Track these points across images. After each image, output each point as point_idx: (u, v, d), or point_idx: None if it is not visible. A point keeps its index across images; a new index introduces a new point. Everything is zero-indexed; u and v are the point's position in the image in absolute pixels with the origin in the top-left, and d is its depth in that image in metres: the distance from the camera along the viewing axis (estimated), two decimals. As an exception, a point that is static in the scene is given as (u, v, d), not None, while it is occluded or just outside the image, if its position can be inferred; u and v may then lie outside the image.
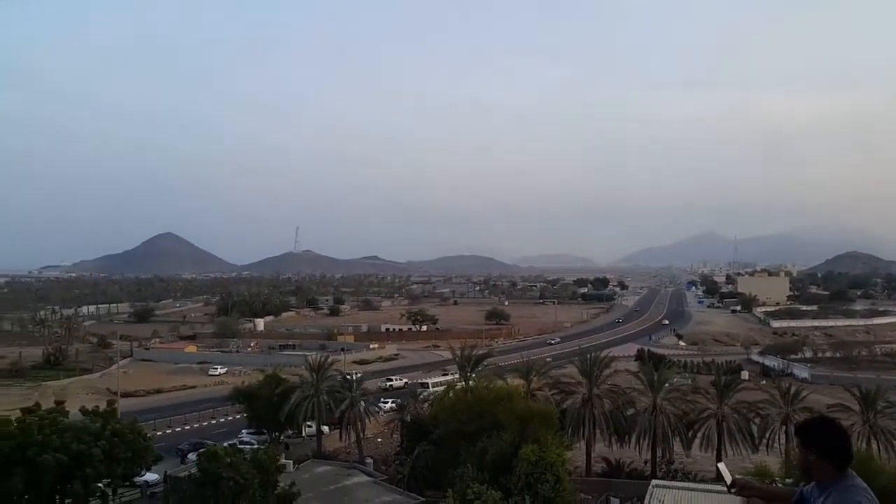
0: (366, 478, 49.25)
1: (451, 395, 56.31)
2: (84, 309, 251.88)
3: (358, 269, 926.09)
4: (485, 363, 65.55)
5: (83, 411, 47.72)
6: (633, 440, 53.59)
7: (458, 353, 65.12)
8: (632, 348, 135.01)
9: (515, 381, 58.77)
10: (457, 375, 65.70)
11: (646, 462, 55.01)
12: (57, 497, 42.52)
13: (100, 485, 43.54)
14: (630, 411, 55.46)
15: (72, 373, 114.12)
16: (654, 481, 39.99)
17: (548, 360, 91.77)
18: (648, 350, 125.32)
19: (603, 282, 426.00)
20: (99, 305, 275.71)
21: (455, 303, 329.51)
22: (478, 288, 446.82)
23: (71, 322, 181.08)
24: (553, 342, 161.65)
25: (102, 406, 48.55)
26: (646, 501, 34.20)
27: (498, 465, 39.23)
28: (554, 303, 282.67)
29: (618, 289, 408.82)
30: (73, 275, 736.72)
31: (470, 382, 59.67)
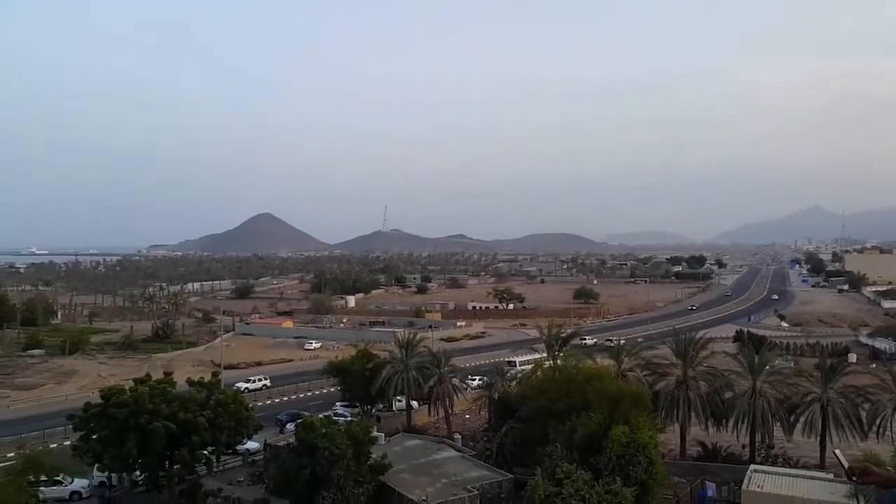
0: (454, 453, 49.91)
1: (538, 373, 56.07)
2: (189, 286, 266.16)
3: (444, 248, 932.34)
4: (573, 342, 64.84)
5: (189, 382, 50.58)
6: (731, 424, 51.67)
7: (546, 331, 64.65)
8: (730, 329, 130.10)
9: (605, 362, 57.82)
10: (544, 354, 65.33)
11: (744, 447, 53.07)
12: (166, 462, 45.43)
13: (205, 452, 46.13)
14: (728, 394, 53.46)
15: (178, 346, 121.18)
16: (752, 466, 38.56)
17: (639, 340, 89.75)
18: (748, 331, 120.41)
19: (699, 260, 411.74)
20: (203, 282, 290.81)
21: (542, 281, 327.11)
22: (565, 266, 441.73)
23: (177, 298, 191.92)
24: (648, 322, 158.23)
25: (207, 377, 51.17)
26: (744, 486, 33.09)
27: (587, 446, 38.76)
28: (645, 281, 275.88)
29: (715, 267, 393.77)
30: (179, 254, 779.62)
31: (558, 361, 59.29)
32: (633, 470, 36.18)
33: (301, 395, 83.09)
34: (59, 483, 42.40)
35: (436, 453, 49.34)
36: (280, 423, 65.40)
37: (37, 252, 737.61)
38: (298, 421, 48.96)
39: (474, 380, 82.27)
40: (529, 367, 66.00)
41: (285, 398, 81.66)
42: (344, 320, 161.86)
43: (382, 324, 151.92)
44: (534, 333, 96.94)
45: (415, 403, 67.55)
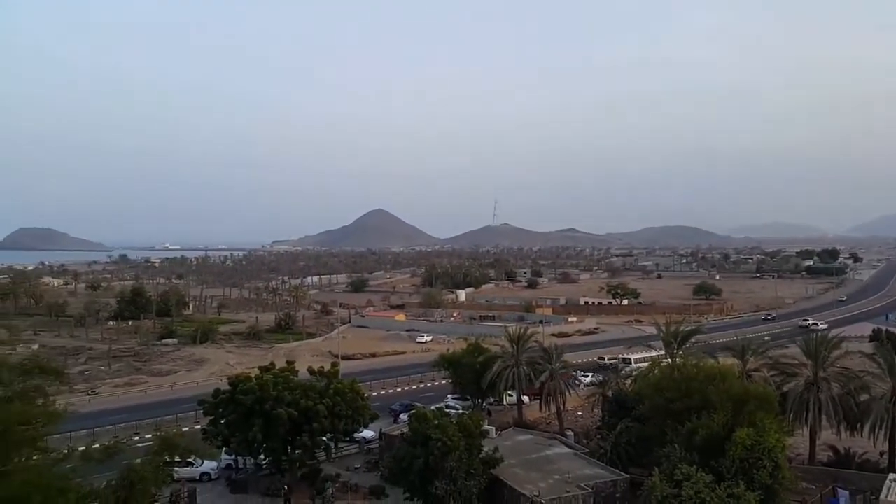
0: (567, 449, 49.11)
1: (656, 371, 54.15)
2: (308, 279, 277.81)
3: (555, 242, 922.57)
4: (693, 340, 62.09)
5: (310, 371, 52.62)
6: (867, 429, 47.72)
7: (664, 328, 62.31)
8: (865, 328, 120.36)
9: (728, 361, 54.95)
10: (662, 352, 63.00)
11: (882, 454, 48.87)
12: (288, 447, 47.49)
13: (324, 438, 47.87)
14: (864, 397, 49.39)
15: (299, 336, 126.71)
16: (891, 475, 35.56)
17: (765, 338, 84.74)
18: (886, 330, 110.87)
19: (832, 253, 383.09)
20: (321, 276, 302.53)
21: (659, 276, 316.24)
22: (685, 261, 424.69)
23: (298, 291, 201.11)
24: (768, 318, 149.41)
25: (326, 367, 53.06)
26: (882, 496, 30.53)
27: (708, 448, 36.99)
28: (773, 277, 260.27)
29: (850, 261, 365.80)
30: (299, 248, 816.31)
31: (676, 360, 57.02)
32: (757, 474, 34.21)
33: (413, 387, 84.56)
34: (190, 464, 45.20)
35: (547, 449, 48.78)
36: (394, 414, 66.86)
37: (170, 248, 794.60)
38: (411, 412, 49.73)
39: (587, 376, 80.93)
40: (646, 364, 63.87)
41: (398, 389, 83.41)
42: (454, 314, 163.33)
43: (492, 318, 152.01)
44: (650, 330, 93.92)
45: (525, 398, 67.06)
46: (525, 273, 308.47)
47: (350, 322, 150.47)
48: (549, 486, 40.40)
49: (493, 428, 52.52)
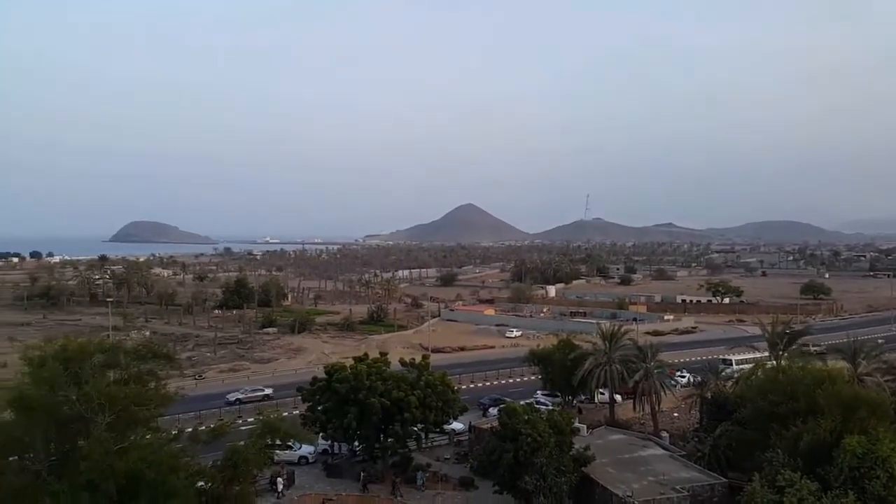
0: (661, 451, 47.81)
1: (759, 373, 51.84)
2: (399, 273, 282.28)
3: (651, 237, 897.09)
4: (800, 341, 58.99)
5: (402, 363, 53.64)
6: None
7: (769, 328, 59.47)
8: None
9: (837, 364, 51.85)
10: (765, 353, 60.18)
11: None
12: (381, 435, 48.62)
13: (415, 428, 48.73)
14: None
15: (390, 328, 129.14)
16: None
17: (879, 341, 79.32)
18: None
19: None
20: (411, 270, 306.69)
21: (763, 274, 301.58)
22: (791, 258, 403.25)
23: (389, 284, 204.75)
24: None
25: (417, 359, 53.90)
26: None
27: (814, 454, 35.08)
28: (888, 276, 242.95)
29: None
30: (390, 243, 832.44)
31: (781, 361, 54.35)
32: (869, 484, 32.16)
33: (502, 381, 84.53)
34: (289, 448, 47.03)
35: (641, 450, 47.69)
36: (483, 407, 67.09)
37: (270, 241, 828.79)
38: (501, 406, 49.80)
39: (683, 377, 78.47)
40: (748, 366, 61.24)
41: (487, 383, 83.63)
42: (544, 310, 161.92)
43: (583, 315, 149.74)
44: (753, 330, 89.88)
45: (618, 397, 65.73)
46: (618, 269, 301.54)
47: (440, 315, 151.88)
48: (643, 488, 39.49)
49: (584, 426, 51.85)
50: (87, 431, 25.45)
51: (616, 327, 66.97)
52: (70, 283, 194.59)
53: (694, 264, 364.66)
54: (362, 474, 48.32)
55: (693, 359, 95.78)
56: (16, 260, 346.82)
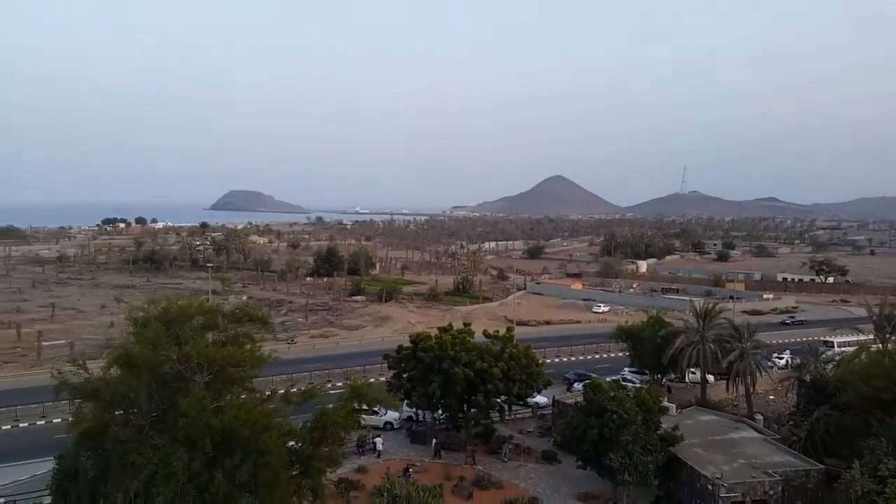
0: (755, 434, 45.94)
1: (862, 357, 48.74)
2: (486, 245, 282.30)
3: (751, 212, 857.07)
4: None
5: (485, 334, 53.63)
6: None
7: (876, 310, 55.69)
8: None
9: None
10: (871, 336, 56.48)
11: None
12: (464, 405, 48.99)
13: (498, 400, 48.79)
14: None
15: (475, 300, 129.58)
16: None
17: None
18: None
19: None
20: (497, 242, 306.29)
21: (872, 252, 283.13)
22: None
23: (475, 256, 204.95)
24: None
25: (501, 331, 53.78)
26: None
27: (922, 445, 32.86)
28: None
29: None
30: (477, 214, 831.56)
31: (888, 345, 50.89)
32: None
33: (588, 357, 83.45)
34: (375, 413, 48.19)
35: (733, 432, 46.05)
36: (567, 382, 66.55)
37: (360, 211, 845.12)
38: (586, 382, 49.14)
39: (781, 358, 75.19)
40: (851, 349, 57.71)
41: (572, 358, 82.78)
42: (634, 285, 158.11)
43: (676, 291, 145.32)
44: (858, 312, 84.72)
45: (710, 377, 63.55)
46: (715, 245, 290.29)
47: (525, 288, 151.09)
48: (733, 470, 38.15)
49: (674, 405, 50.42)
50: (186, 390, 26.77)
51: (710, 305, 64.53)
52: (172, 248, 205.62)
53: (797, 241, 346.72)
54: (435, 441, 49.15)
55: (792, 340, 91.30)
56: (122, 226, 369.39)
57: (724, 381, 61.12)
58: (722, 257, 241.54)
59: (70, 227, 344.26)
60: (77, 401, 28.17)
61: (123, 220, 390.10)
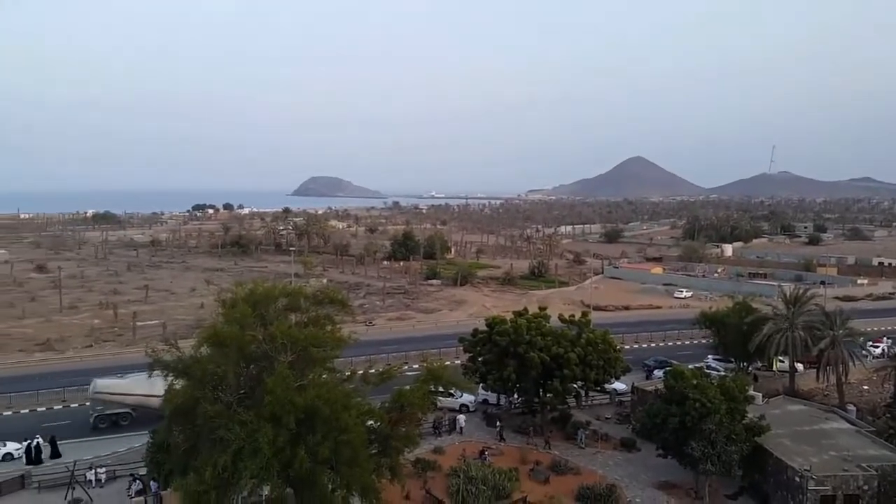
0: (846, 425, 43.76)
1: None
2: (562, 228, 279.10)
3: (845, 193, 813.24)
4: None
5: (561, 319, 53.08)
6: None
7: None
8: None
9: None
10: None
11: None
12: (540, 390, 48.78)
13: (575, 385, 48.34)
14: None
15: (551, 284, 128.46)
16: None
17: None
18: None
19: None
20: (574, 225, 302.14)
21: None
22: None
23: (551, 240, 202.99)
24: None
25: (577, 316, 53.09)
26: None
27: None
28: None
29: None
30: (553, 197, 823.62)
31: None
32: None
33: (669, 343, 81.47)
34: (451, 395, 48.61)
35: (823, 423, 44.03)
36: (647, 369, 65.28)
37: (435, 195, 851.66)
38: (667, 368, 48.06)
39: (877, 346, 71.33)
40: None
41: (652, 344, 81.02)
42: (718, 270, 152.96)
43: (763, 276, 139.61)
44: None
45: (799, 366, 61.00)
46: (805, 227, 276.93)
47: (603, 273, 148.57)
48: (823, 462, 36.51)
49: (760, 395, 48.74)
50: (271, 368, 27.72)
51: (800, 290, 61.83)
52: (258, 233, 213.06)
53: (895, 223, 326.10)
54: (499, 423, 49.18)
55: (890, 328, 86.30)
56: (211, 211, 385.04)
57: (815, 370, 58.57)
58: (813, 241, 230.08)
59: (162, 213, 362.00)
60: (169, 378, 29.68)
61: (212, 206, 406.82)
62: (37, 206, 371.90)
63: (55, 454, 44.56)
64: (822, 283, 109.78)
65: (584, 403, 55.06)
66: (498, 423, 49.55)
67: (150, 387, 40.46)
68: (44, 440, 45.12)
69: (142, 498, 35.36)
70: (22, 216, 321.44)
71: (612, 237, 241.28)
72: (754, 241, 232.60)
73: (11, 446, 45.04)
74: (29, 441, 44.56)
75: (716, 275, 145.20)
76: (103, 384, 50.66)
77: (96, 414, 50.87)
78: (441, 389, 34.59)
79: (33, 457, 43.63)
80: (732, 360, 64.12)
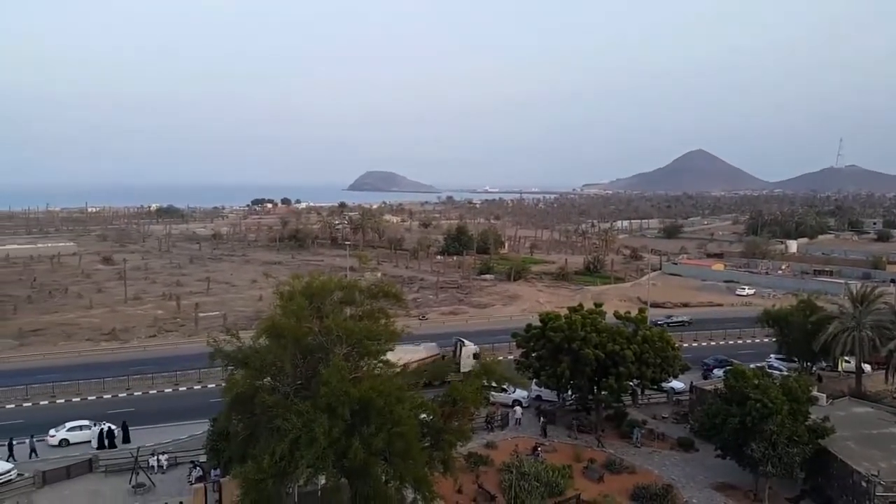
0: (920, 431, 41.87)
1: None
2: (618, 223, 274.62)
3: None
4: None
5: (617, 316, 52.25)
6: None
7: None
8: None
9: None
10: None
11: None
12: (594, 387, 48.19)
13: (630, 383, 47.59)
14: None
15: (607, 280, 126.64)
16: None
17: None
18: None
19: None
20: (631, 220, 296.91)
21: None
22: None
23: (607, 235, 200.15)
24: None
25: (633, 313, 52.19)
26: None
27: None
28: None
29: None
30: (610, 192, 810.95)
31: None
32: None
33: (730, 342, 79.44)
34: (504, 391, 48.48)
35: (892, 426, 42.31)
36: (706, 368, 63.89)
37: (489, 190, 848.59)
38: (727, 368, 46.88)
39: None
40: None
41: (712, 343, 79.14)
42: (782, 267, 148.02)
43: (829, 273, 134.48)
44: None
45: (867, 367, 58.71)
46: (874, 223, 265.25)
47: (661, 269, 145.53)
48: (892, 467, 35.11)
49: (824, 396, 47.02)
50: (326, 360, 28.17)
51: (869, 289, 59.26)
52: (314, 227, 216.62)
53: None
54: (542, 420, 48.81)
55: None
56: (269, 206, 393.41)
57: (883, 372, 56.20)
58: (882, 237, 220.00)
59: (223, 207, 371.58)
60: (229, 367, 30.48)
61: (270, 201, 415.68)
62: (104, 200, 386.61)
63: (126, 440, 46.41)
64: (892, 281, 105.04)
65: (640, 402, 54.23)
66: (542, 419, 49.21)
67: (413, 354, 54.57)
68: (114, 426, 46.99)
69: (201, 484, 36.48)
70: (89, 210, 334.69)
71: (670, 232, 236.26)
72: (820, 237, 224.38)
73: (85, 432, 46.93)
74: (101, 426, 46.48)
75: (779, 272, 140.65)
76: None
77: None
78: (494, 385, 34.57)
79: (105, 442, 45.56)
80: (796, 359, 62.17)
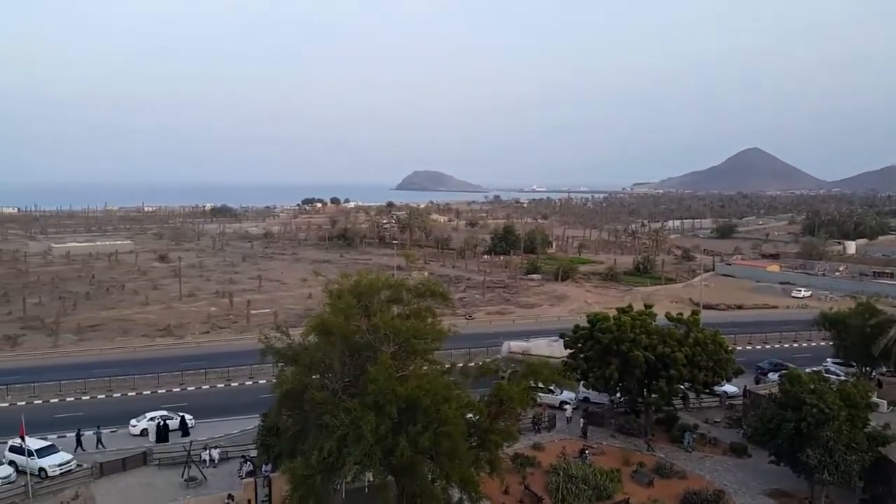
0: None
1: None
2: (669, 223, 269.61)
3: None
4: None
5: (668, 317, 51.29)
6: None
7: None
8: None
9: None
10: None
11: None
12: (644, 390, 47.43)
13: (681, 387, 46.65)
14: None
15: (657, 281, 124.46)
16: None
17: None
18: None
19: None
20: (683, 220, 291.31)
21: None
22: None
23: (658, 235, 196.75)
24: None
25: (686, 314, 51.15)
26: None
27: None
28: None
29: None
30: (661, 191, 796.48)
31: None
32: None
33: (785, 345, 77.36)
34: (551, 392, 48.11)
35: (959, 436, 40.33)
36: (760, 371, 62.34)
37: (537, 189, 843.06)
38: (782, 372, 45.61)
39: None
40: None
41: (766, 346, 77.19)
42: (840, 268, 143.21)
43: (890, 276, 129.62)
44: None
45: (931, 373, 56.08)
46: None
47: (714, 270, 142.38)
48: (961, 481, 33.51)
49: (885, 402, 45.35)
50: (374, 358, 28.41)
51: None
52: (362, 226, 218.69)
53: None
54: (583, 421, 48.12)
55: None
56: (319, 205, 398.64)
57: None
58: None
59: (274, 207, 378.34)
60: (280, 364, 31.01)
61: (320, 200, 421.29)
62: (160, 199, 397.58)
63: (185, 433, 47.69)
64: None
65: (691, 405, 53.13)
66: (582, 421, 48.63)
67: (549, 349, 59.79)
68: (173, 419, 48.36)
69: (252, 479, 37.24)
70: (146, 209, 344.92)
71: (724, 232, 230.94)
72: (880, 238, 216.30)
73: (144, 423, 48.36)
74: (158, 420, 47.88)
75: (837, 273, 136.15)
76: (515, 345, 62.95)
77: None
78: (541, 385, 34.34)
79: (162, 435, 46.93)
80: (854, 364, 60.08)
